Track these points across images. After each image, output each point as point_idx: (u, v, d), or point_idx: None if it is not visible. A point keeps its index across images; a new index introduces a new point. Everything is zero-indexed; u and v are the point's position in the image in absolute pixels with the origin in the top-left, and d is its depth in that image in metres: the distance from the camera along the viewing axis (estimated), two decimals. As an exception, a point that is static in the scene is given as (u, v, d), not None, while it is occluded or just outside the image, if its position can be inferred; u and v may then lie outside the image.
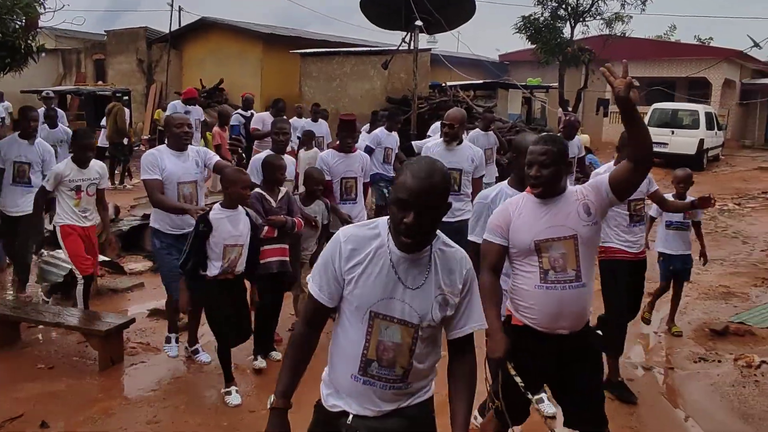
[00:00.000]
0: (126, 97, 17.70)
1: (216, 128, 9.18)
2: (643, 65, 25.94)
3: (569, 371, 2.87)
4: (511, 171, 3.57)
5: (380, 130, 8.76)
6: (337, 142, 5.76)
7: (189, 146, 4.65)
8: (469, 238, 3.38)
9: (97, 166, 5.24)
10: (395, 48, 15.25)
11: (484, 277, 2.83)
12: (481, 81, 19.80)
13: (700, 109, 19.61)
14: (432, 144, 5.53)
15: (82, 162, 5.10)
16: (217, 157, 4.84)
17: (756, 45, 20.63)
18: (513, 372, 2.82)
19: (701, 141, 18.37)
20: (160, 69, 20.84)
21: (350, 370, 2.04)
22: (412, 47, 14.68)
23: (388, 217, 2.05)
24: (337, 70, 16.58)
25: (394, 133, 8.82)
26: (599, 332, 3.26)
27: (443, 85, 16.52)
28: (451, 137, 5.13)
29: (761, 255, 8.90)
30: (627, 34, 23.03)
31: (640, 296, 4.70)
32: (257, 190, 4.67)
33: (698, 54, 25.34)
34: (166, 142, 4.69)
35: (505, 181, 3.51)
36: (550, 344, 2.84)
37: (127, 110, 13.65)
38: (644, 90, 25.97)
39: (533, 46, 22.54)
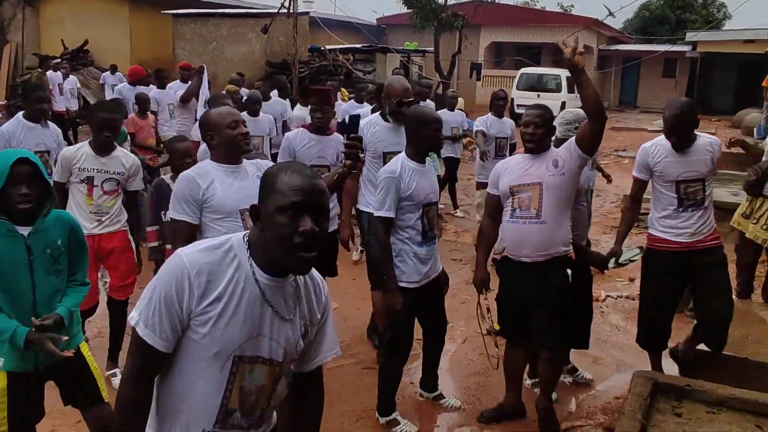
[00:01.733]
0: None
1: (133, 115, 7.58)
2: (511, 31, 27.28)
3: (536, 295, 3.45)
4: (412, 141, 3.52)
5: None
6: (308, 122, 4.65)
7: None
8: (377, 214, 3.47)
9: (123, 158, 3.94)
10: (274, 11, 15.07)
11: (483, 221, 3.75)
12: (360, 45, 20.02)
13: (562, 73, 21.03)
14: (370, 121, 4.39)
15: (101, 147, 3.86)
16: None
17: (611, 14, 22.45)
18: (486, 303, 3.67)
19: (563, 103, 19.73)
20: (14, 28, 19.23)
21: (202, 426, 1.67)
22: (291, 11, 14.59)
23: (244, 234, 1.71)
24: (213, 33, 16.17)
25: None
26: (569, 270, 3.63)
27: (322, 48, 16.60)
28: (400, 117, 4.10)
29: (611, 206, 9.93)
30: (497, 1, 24.05)
31: (722, 288, 3.77)
32: (164, 177, 4.15)
33: (561, 21, 26.94)
34: (210, 154, 3.06)
35: (403, 153, 3.54)
36: (520, 269, 3.48)
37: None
38: (513, 55, 27.39)
39: (410, 11, 22.98)
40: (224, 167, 2.94)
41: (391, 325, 3.62)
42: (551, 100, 19.80)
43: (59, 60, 14.51)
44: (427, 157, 3.61)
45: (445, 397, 3.94)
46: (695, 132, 3.73)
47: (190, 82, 7.97)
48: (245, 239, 1.67)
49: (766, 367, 3.74)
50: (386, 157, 4.10)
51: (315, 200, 1.59)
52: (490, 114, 7.09)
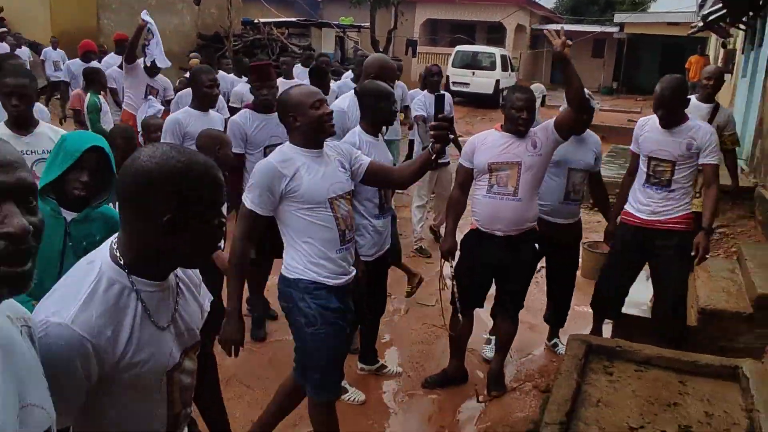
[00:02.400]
0: None
1: (78, 90, 6.66)
2: (446, 8, 27.43)
3: (505, 262, 3.62)
4: (367, 115, 3.45)
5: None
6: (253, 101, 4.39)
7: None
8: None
9: (51, 133, 3.24)
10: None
11: (453, 192, 3.80)
12: (295, 19, 19.69)
13: (497, 51, 21.37)
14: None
15: (16, 122, 3.19)
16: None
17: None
18: (452, 272, 3.78)
19: (497, 81, 20.10)
20: None
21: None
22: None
23: (107, 249, 1.43)
24: (141, 2, 15.52)
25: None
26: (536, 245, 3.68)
27: (256, 22, 16.25)
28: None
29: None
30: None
31: (672, 276, 3.79)
32: None
33: (495, 0, 27.26)
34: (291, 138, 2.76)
35: (358, 126, 3.49)
36: (492, 242, 3.59)
37: None
38: (448, 33, 27.57)
39: (346, -15, 22.76)
40: (309, 152, 2.68)
41: None
42: (486, 78, 20.19)
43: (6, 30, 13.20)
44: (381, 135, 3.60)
45: (387, 367, 4.04)
46: (690, 117, 3.73)
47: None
48: (118, 259, 1.41)
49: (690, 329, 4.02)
50: None
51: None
52: (425, 92, 6.76)
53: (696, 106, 4.79)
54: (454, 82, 20.87)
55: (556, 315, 4.45)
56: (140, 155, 1.36)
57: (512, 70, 22.32)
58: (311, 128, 2.66)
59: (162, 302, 1.45)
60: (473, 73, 20.45)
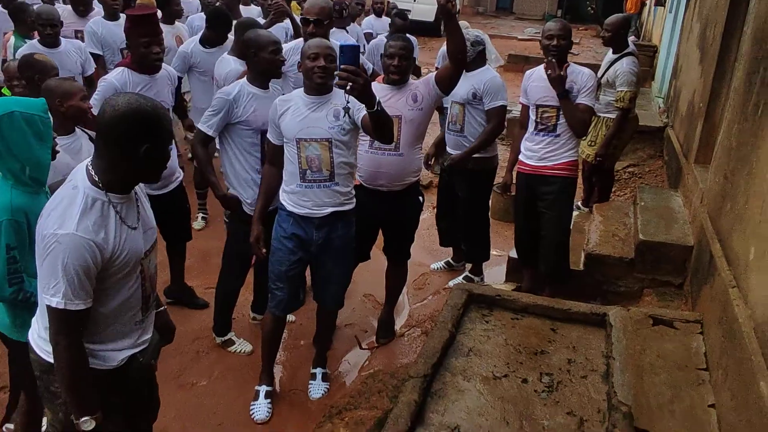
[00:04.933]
0: None
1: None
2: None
3: (391, 217, 3.64)
4: (250, 66, 3.43)
5: None
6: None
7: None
8: (200, 126, 3.44)
9: None
10: None
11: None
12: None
13: (439, -23, 20.76)
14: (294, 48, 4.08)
15: None
16: None
17: None
18: None
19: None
20: None
21: (134, 318, 2.01)
22: None
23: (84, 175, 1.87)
24: None
25: None
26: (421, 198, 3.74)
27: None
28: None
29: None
30: None
31: (551, 221, 3.87)
32: None
33: None
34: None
35: (244, 79, 3.45)
36: (377, 197, 3.54)
37: None
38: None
39: None
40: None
41: (228, 249, 3.64)
42: (427, 5, 19.64)
43: None
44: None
45: (281, 315, 4.04)
46: (571, 63, 3.73)
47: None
48: (96, 179, 1.85)
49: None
50: None
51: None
52: (371, 16, 6.84)
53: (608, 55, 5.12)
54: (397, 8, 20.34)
55: (470, 251, 4.55)
56: (117, 102, 1.80)
57: (455, -3, 21.78)
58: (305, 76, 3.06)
59: (129, 209, 1.93)
60: (414, 0, 19.92)
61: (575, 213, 5.36)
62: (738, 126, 3.31)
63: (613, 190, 5.99)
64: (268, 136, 3.20)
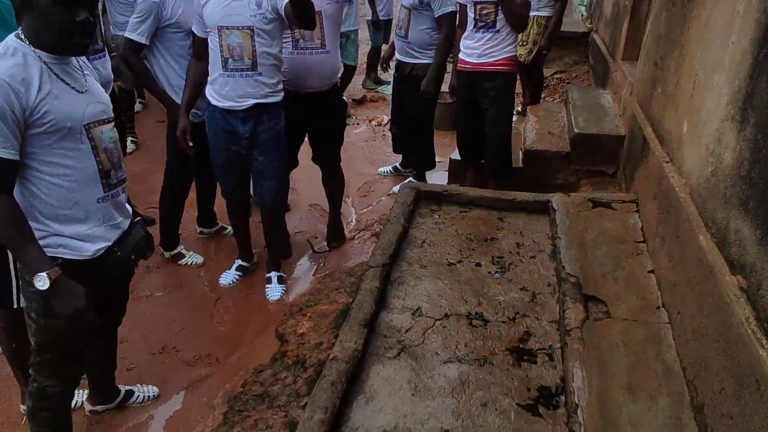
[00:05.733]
0: None
1: None
2: None
3: (319, 120, 3.58)
4: None
5: None
6: None
7: None
8: (129, 34, 3.29)
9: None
10: None
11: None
12: None
13: None
14: None
15: None
16: None
17: None
18: None
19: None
20: None
21: (95, 197, 1.94)
22: None
23: (15, 34, 1.85)
24: None
25: None
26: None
27: None
28: None
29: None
30: None
31: (494, 116, 3.93)
32: None
33: None
34: None
35: None
36: (302, 101, 3.45)
37: None
38: None
39: None
40: None
41: (170, 160, 3.54)
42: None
43: None
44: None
45: (227, 228, 4.01)
46: None
47: None
48: (22, 38, 1.83)
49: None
50: None
51: None
52: None
53: None
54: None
55: (417, 158, 4.63)
56: None
57: None
58: None
59: (69, 73, 1.88)
60: None
61: (514, 118, 5.49)
62: (666, 13, 3.43)
63: (543, 96, 6.15)
64: (194, 29, 3.14)
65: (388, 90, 6.87)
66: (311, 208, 4.23)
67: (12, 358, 2.42)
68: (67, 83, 1.87)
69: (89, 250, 1.95)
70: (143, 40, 3.24)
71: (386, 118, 6.09)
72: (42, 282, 1.74)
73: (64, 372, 2.04)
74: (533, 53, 5.40)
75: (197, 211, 3.90)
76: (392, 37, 5.21)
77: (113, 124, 2.03)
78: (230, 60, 3.01)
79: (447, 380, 2.25)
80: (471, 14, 3.83)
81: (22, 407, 2.50)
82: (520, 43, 5.21)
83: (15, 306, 2.22)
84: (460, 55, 3.97)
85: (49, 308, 1.81)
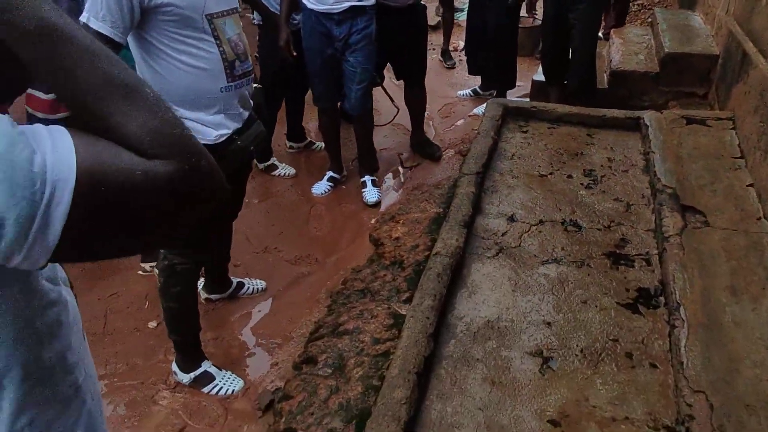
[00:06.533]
0: None
1: None
2: None
3: (404, 34, 3.65)
4: None
5: None
6: None
7: None
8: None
9: None
10: None
11: None
12: None
13: None
14: None
15: None
16: None
17: None
18: None
19: None
20: None
21: (219, 85, 2.02)
22: None
23: None
24: None
25: None
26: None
27: None
28: None
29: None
30: None
31: (583, 32, 3.87)
32: None
33: None
34: None
35: None
36: (388, 16, 3.46)
37: None
38: None
39: None
40: None
41: (264, 75, 3.66)
42: None
43: None
44: None
45: (315, 143, 4.16)
46: None
47: None
48: None
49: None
50: None
51: None
52: None
53: None
54: None
55: (498, 77, 4.62)
56: None
57: None
58: None
59: None
60: None
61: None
62: None
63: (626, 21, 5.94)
64: None
65: (462, 16, 6.76)
66: (394, 126, 4.30)
67: None
68: None
69: (211, 134, 2.04)
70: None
71: (461, 44, 6.02)
72: None
73: (194, 253, 2.21)
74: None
75: (287, 128, 4.02)
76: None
77: (237, 15, 2.10)
78: None
79: (546, 278, 2.33)
80: None
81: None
82: None
83: None
84: None
85: None
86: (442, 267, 2.30)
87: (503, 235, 2.59)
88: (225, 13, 2.02)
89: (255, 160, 3.82)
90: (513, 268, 2.40)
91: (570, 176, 3.00)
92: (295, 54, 3.29)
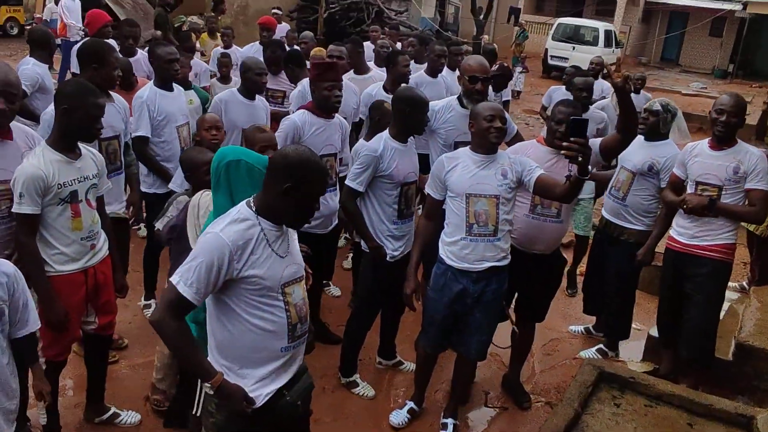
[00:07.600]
0: None
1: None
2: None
3: (537, 278, 3.62)
4: (398, 122, 3.55)
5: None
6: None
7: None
8: (349, 183, 3.54)
9: (91, 154, 2.97)
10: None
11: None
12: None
13: (601, 26, 20.41)
14: (446, 105, 4.00)
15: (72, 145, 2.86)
16: None
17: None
18: None
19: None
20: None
21: (281, 345, 2.18)
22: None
23: (246, 202, 2.16)
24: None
25: None
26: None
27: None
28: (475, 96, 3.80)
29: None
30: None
31: (698, 305, 3.65)
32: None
33: (608, -31, 25.80)
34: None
35: (386, 132, 3.56)
36: (525, 258, 3.50)
37: None
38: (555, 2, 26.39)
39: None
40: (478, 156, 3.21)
41: (361, 293, 3.79)
42: (586, 54, 19.26)
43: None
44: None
45: (404, 363, 4.12)
46: (739, 140, 3.59)
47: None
48: (251, 206, 2.14)
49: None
50: (457, 146, 3.75)
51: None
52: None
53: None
54: (552, 56, 20.22)
55: (610, 324, 4.44)
56: (288, 149, 2.20)
57: (617, 46, 21.21)
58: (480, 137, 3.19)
59: (279, 240, 2.15)
60: (573, 48, 19.63)
61: (735, 296, 4.97)
62: None
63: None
64: (428, 190, 3.32)
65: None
66: (490, 357, 4.18)
67: None
68: (274, 250, 2.14)
69: (261, 393, 2.16)
70: (361, 189, 3.52)
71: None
72: (210, 388, 2.11)
73: None
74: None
75: (380, 341, 4.07)
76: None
77: (303, 281, 2.30)
78: (475, 225, 3.16)
79: None
80: (690, 190, 3.67)
81: None
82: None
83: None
84: (671, 232, 3.82)
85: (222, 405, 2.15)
86: None
87: None
88: (296, 280, 2.22)
89: (339, 372, 3.87)
90: None
91: (653, 477, 2.67)
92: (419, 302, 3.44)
